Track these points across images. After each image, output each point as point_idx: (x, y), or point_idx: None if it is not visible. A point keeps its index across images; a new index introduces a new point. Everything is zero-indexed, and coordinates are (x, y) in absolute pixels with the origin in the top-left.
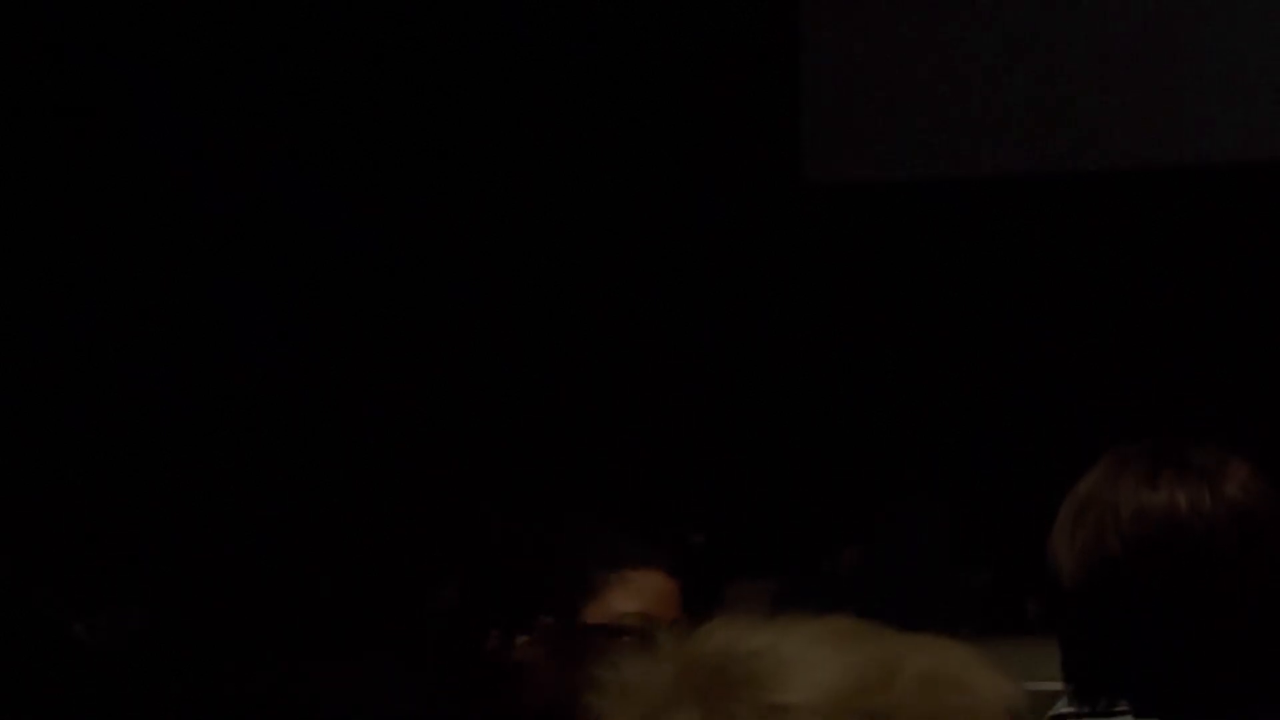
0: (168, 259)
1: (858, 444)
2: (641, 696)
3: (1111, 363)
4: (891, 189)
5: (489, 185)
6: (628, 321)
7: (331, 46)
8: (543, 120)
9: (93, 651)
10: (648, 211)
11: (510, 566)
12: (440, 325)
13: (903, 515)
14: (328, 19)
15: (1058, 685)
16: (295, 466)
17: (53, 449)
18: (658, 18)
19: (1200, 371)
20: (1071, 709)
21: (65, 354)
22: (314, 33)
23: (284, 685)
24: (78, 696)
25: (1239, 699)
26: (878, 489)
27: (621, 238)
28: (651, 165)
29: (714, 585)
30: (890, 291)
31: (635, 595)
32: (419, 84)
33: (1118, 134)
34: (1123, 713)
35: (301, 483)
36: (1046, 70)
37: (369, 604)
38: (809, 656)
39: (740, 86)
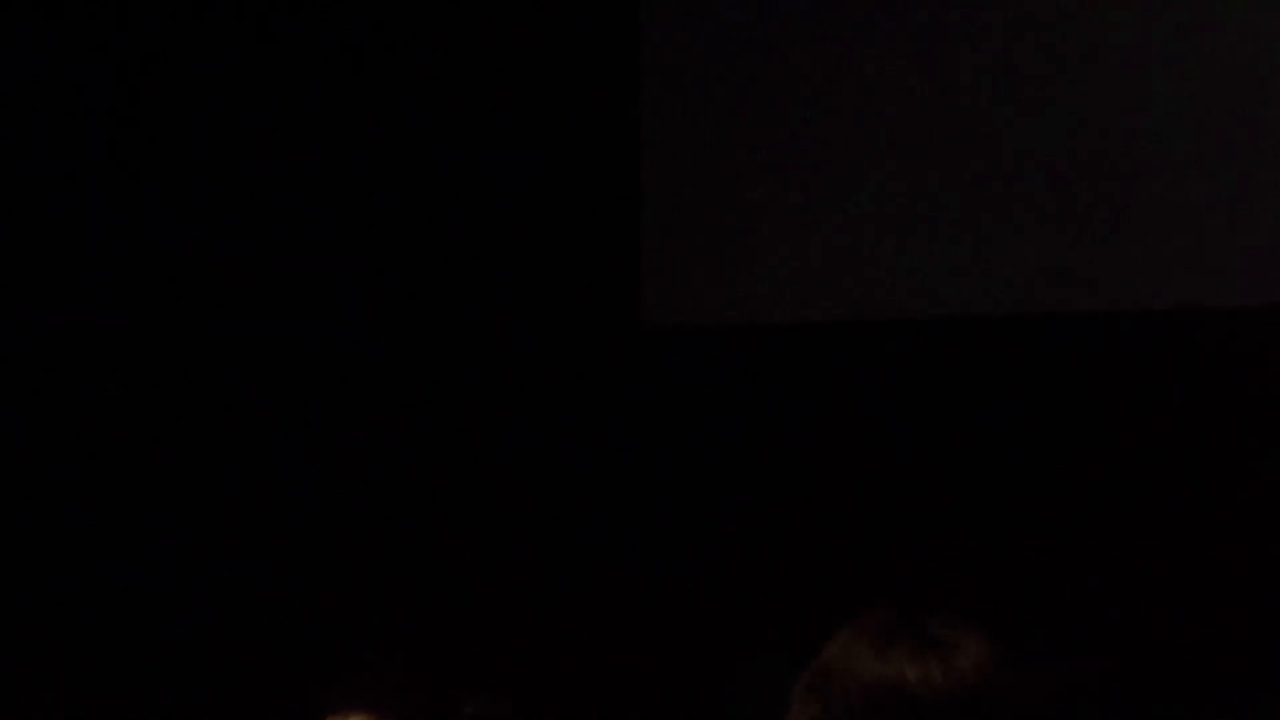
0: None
1: (707, 590)
2: None
3: (950, 507)
4: (733, 333)
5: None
6: (461, 466)
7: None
8: (373, 270)
9: None
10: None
11: None
12: None
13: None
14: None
15: None
16: None
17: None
18: (495, 154)
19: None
20: None
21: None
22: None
23: None
24: None
25: None
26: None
27: (455, 386)
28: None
29: None
30: (734, 437)
31: None
32: None
33: (939, 283)
34: None
35: None
36: (874, 220)
37: None
38: None
39: (580, 231)
